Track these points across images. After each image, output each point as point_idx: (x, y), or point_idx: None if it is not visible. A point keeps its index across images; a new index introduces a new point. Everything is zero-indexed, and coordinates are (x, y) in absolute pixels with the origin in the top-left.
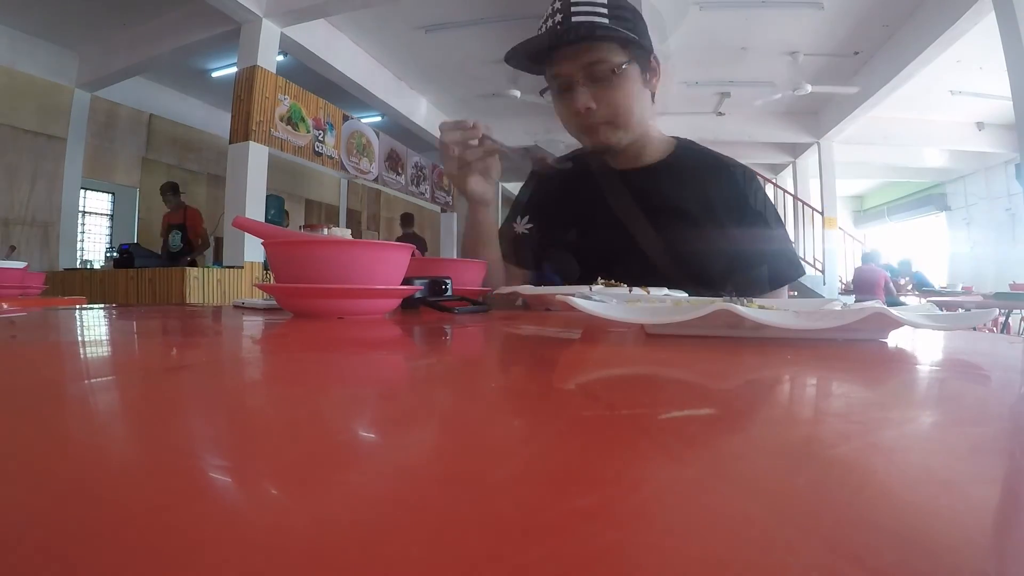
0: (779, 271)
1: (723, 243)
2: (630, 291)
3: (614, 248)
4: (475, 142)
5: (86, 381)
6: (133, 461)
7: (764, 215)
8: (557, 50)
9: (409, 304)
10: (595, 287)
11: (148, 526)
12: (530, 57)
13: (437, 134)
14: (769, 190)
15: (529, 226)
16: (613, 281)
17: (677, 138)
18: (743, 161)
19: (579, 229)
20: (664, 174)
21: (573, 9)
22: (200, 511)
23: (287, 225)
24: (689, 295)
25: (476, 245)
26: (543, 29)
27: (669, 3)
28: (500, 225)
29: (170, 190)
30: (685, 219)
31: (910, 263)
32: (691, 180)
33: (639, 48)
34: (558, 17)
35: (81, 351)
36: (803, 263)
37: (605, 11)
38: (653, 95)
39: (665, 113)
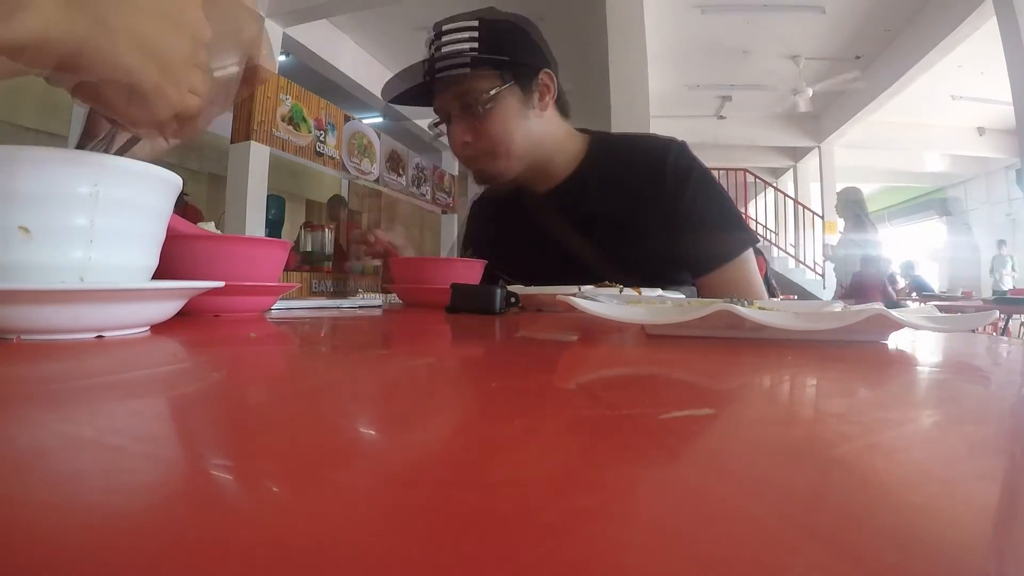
0: (724, 243)
1: (655, 235)
2: (620, 291)
3: (552, 269)
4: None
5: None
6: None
7: (689, 188)
8: (435, 84)
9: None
10: (585, 287)
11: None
12: (414, 92)
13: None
14: (770, 194)
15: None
16: (607, 282)
17: (590, 136)
18: (744, 165)
19: (517, 255)
20: (579, 185)
21: (444, 39)
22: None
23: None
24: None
25: None
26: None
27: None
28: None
29: None
30: (611, 223)
31: (912, 266)
32: (606, 182)
33: (519, 68)
34: (431, 50)
35: None
36: (755, 233)
37: (475, 36)
38: (563, 109)
39: (666, 116)
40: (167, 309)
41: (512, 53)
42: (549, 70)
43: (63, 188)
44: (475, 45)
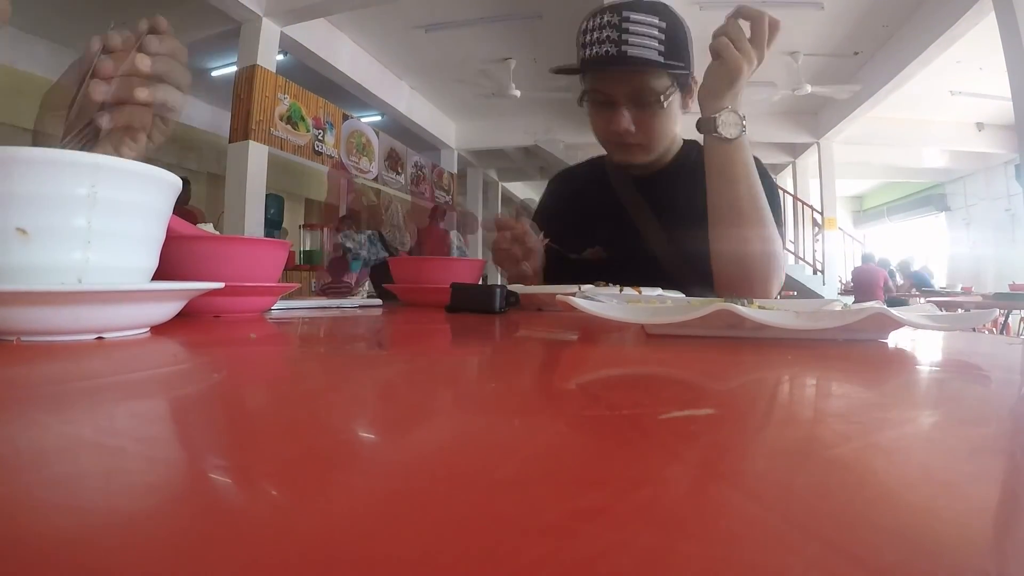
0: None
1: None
2: (620, 291)
3: (622, 252)
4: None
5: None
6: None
7: (775, 208)
8: (614, 70)
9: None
10: (585, 287)
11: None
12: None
13: (436, 133)
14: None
15: (546, 240)
16: (604, 282)
17: (685, 140)
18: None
19: (590, 234)
20: (672, 176)
21: (630, 39)
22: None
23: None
24: (687, 295)
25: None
26: (589, 40)
27: None
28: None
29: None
30: (692, 216)
31: (911, 262)
32: (694, 176)
33: (683, 73)
34: (610, 46)
35: None
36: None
37: (661, 36)
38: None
39: None
40: (167, 310)
41: (686, 59)
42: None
43: (60, 189)
44: (660, 46)
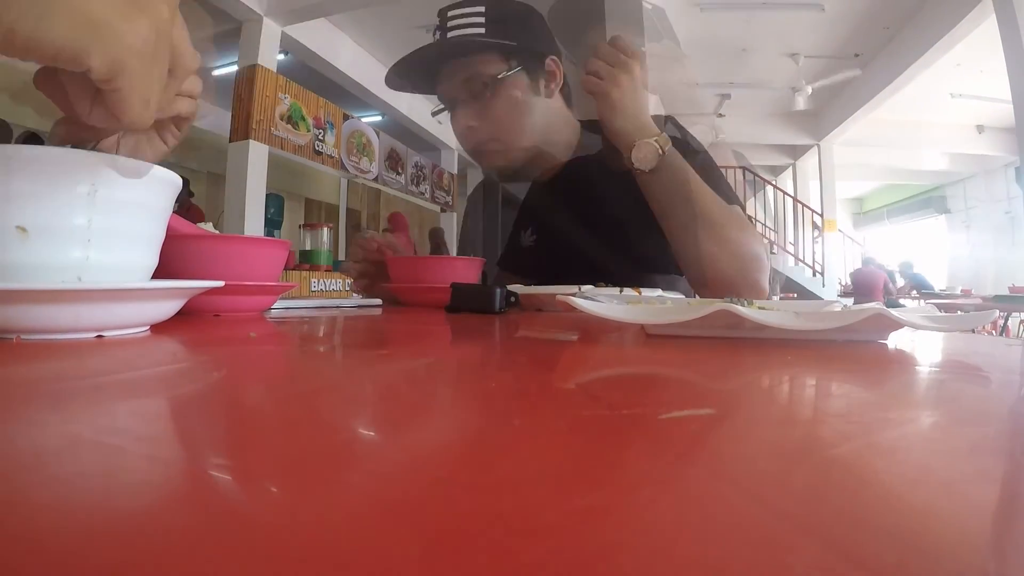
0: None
1: (653, 226)
2: (621, 291)
3: (548, 261)
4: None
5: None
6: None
7: (724, 189)
8: (439, 67)
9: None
10: (584, 287)
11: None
12: (418, 78)
13: (436, 133)
14: (769, 191)
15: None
16: (601, 283)
17: (585, 124)
18: (743, 163)
19: (511, 247)
20: (577, 173)
21: (449, 23)
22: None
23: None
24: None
25: None
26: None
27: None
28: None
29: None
30: (609, 214)
31: (911, 265)
32: (605, 172)
33: (526, 53)
34: (436, 33)
35: None
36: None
37: (482, 20)
38: (567, 97)
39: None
40: (167, 308)
41: (519, 37)
42: (555, 56)
43: (61, 188)
44: (482, 30)
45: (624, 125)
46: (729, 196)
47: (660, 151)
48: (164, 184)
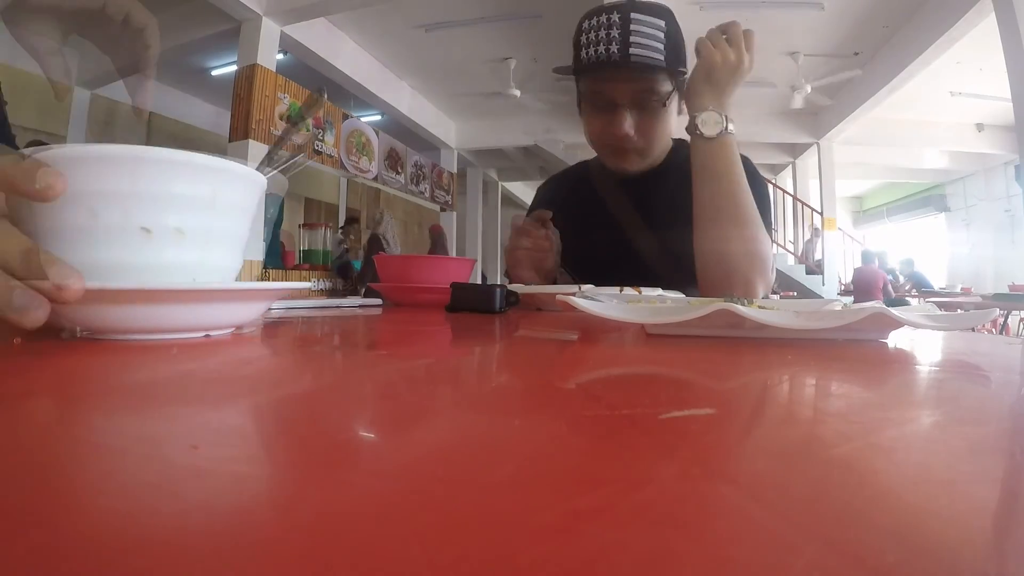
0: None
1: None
2: (620, 291)
3: (616, 256)
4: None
5: None
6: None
7: (764, 209)
8: (617, 71)
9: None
10: (585, 287)
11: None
12: (584, 71)
13: (436, 133)
14: (768, 190)
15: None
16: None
17: (674, 139)
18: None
19: (579, 240)
20: (659, 179)
21: (632, 40)
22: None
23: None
24: (687, 295)
25: None
26: (591, 39)
27: None
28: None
29: None
30: (679, 218)
31: (912, 262)
32: (684, 179)
33: (681, 77)
34: (614, 47)
35: None
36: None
37: (662, 46)
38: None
39: None
40: (257, 309)
41: (685, 63)
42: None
43: (185, 190)
44: (661, 45)
45: (706, 89)
46: (762, 206)
47: (725, 127)
48: (263, 188)
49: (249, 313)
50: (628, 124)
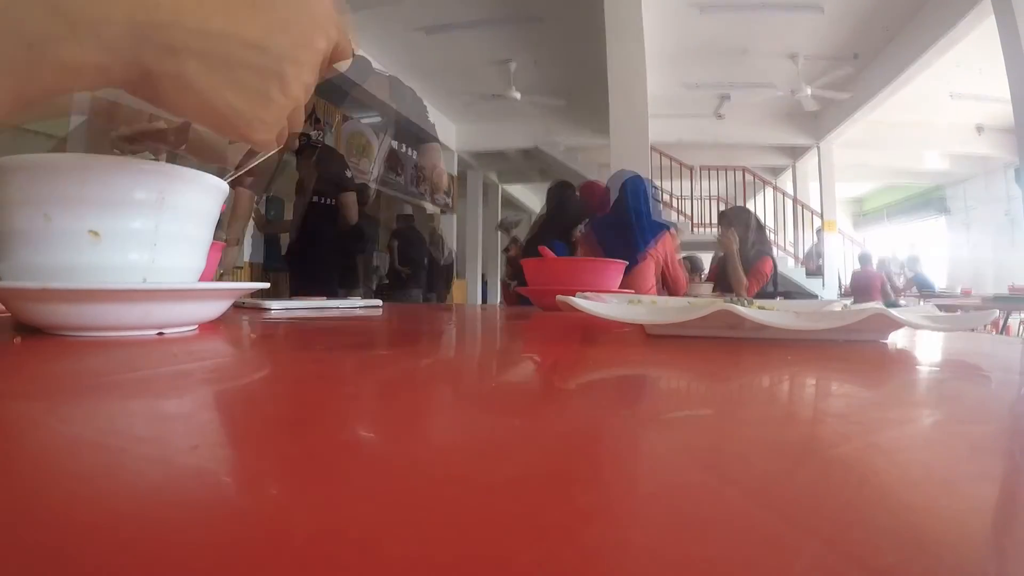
0: None
1: None
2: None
3: None
4: None
5: None
6: None
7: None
8: None
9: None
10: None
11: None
12: None
13: (438, 135)
14: (769, 192)
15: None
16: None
17: None
18: (743, 164)
19: None
20: None
21: None
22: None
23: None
24: None
25: None
26: None
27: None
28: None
29: None
30: None
31: (917, 260)
32: None
33: None
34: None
35: None
36: None
37: None
38: None
39: (664, 115)
40: (218, 308)
41: None
42: None
43: (132, 195)
44: None
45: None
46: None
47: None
48: (219, 192)
49: (206, 312)
50: None
